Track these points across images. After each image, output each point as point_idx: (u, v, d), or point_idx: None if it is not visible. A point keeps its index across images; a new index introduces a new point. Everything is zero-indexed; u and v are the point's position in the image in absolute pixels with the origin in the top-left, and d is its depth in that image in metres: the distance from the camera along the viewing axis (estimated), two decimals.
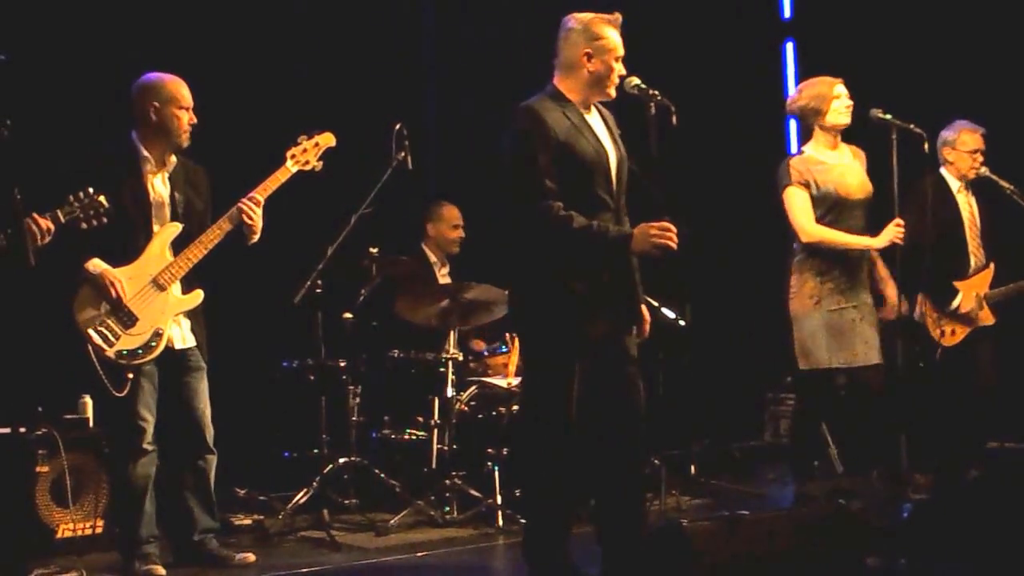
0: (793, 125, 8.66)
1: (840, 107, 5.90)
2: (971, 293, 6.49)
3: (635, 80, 4.77)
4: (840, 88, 5.93)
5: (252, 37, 6.96)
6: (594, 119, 4.75)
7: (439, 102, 8.08)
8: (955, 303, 6.46)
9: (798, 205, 5.86)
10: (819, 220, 5.86)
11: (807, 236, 5.84)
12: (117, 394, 4.99)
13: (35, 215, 4.64)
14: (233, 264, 5.32)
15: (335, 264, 6.09)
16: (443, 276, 7.10)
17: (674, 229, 4.55)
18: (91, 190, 4.75)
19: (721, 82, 8.37)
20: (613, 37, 4.68)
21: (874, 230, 5.95)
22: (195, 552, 5.29)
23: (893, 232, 5.83)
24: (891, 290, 6.05)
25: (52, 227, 4.68)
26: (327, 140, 5.42)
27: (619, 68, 4.70)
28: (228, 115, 6.27)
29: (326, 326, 6.18)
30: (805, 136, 6.10)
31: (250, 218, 5.18)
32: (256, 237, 5.27)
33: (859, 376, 5.86)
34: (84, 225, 4.74)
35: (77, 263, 5.01)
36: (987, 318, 6.53)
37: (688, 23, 8.43)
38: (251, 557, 5.35)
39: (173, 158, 5.23)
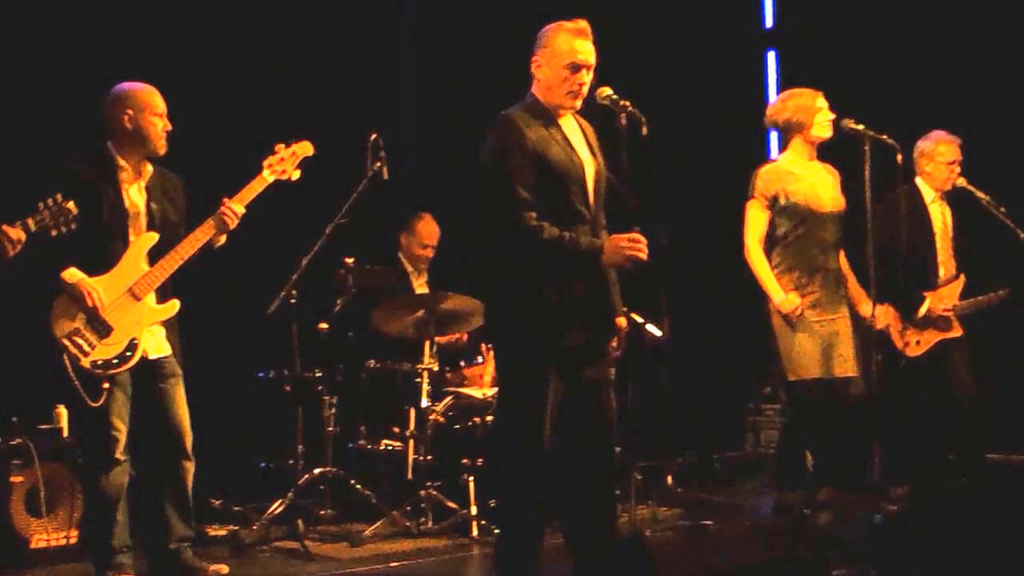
0: (774, 135, 8.67)
1: (823, 120, 5.93)
2: (939, 303, 6.50)
3: (607, 91, 4.76)
4: (822, 101, 5.95)
5: (229, 45, 6.96)
6: (571, 130, 4.73)
7: (418, 112, 8.08)
8: (922, 311, 6.47)
9: (750, 221, 5.95)
10: (790, 233, 5.90)
11: (745, 252, 5.94)
12: (92, 404, 4.98)
13: (5, 226, 4.64)
14: (208, 274, 5.31)
15: (310, 274, 6.08)
16: (420, 286, 7.11)
17: (644, 240, 4.54)
18: (60, 197, 4.74)
19: (703, 91, 8.38)
20: (562, 44, 4.61)
21: (847, 244, 5.98)
22: (169, 561, 5.27)
23: (797, 301, 5.84)
24: (865, 307, 6.06)
25: (23, 237, 4.68)
26: (304, 149, 5.42)
27: (578, 77, 4.62)
28: (205, 124, 6.27)
29: (301, 337, 6.19)
30: (785, 147, 6.12)
31: (232, 224, 5.18)
32: (223, 239, 5.27)
33: (836, 388, 5.87)
34: (54, 232, 4.73)
35: (53, 273, 5.01)
36: (955, 329, 6.53)
37: (671, 32, 8.44)
38: (224, 569, 5.33)
39: (149, 167, 5.23)
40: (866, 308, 6.01)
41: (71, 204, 4.74)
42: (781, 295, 5.85)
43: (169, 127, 5.19)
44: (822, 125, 5.92)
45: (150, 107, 5.16)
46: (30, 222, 4.69)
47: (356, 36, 7.59)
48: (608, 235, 4.70)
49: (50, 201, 4.73)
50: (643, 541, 3.82)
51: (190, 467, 5.29)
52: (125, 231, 5.14)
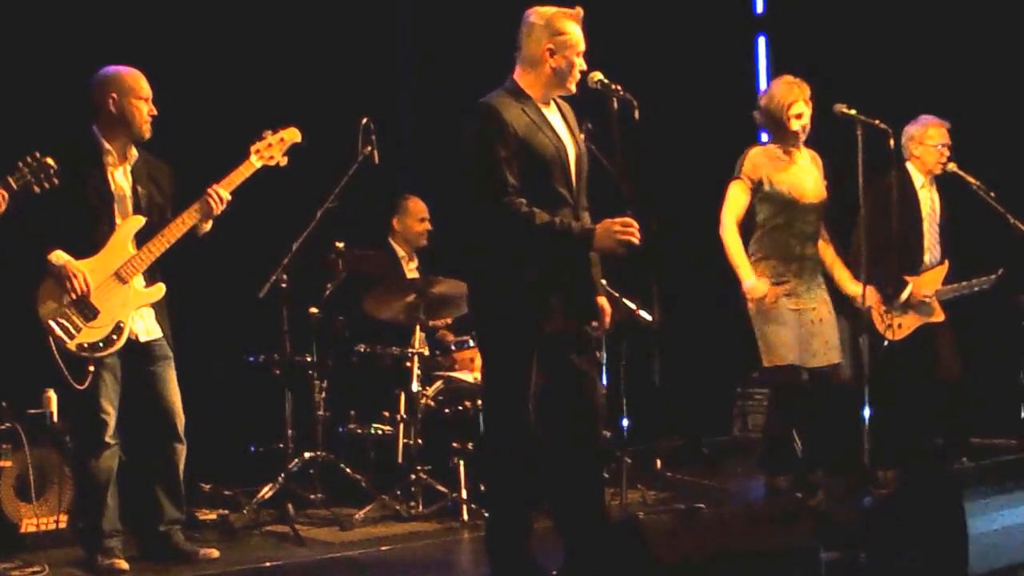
0: None
1: (796, 125, 5.90)
2: (922, 288, 6.52)
3: (598, 75, 4.78)
4: (800, 106, 5.88)
5: (219, 29, 6.93)
6: (553, 114, 4.75)
7: (411, 96, 8.06)
8: (903, 296, 6.49)
9: (731, 199, 5.94)
10: (769, 220, 5.91)
11: (721, 230, 5.92)
12: (78, 387, 4.98)
13: None
14: (199, 258, 5.31)
15: (301, 259, 6.08)
16: (411, 270, 7.09)
17: (636, 224, 4.55)
18: (38, 154, 4.72)
19: (693, 76, 8.38)
20: (575, 32, 4.67)
21: (837, 229, 6.00)
22: (160, 544, 5.28)
23: (765, 288, 5.83)
24: (851, 287, 6.08)
25: (5, 195, 4.68)
26: (292, 136, 5.40)
27: (580, 63, 4.69)
28: (194, 109, 6.27)
29: (292, 321, 6.18)
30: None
31: (218, 209, 5.17)
32: (208, 226, 5.25)
33: (820, 375, 5.89)
34: (36, 189, 4.71)
35: (40, 256, 5.00)
36: (937, 314, 6.54)
37: (661, 17, 8.43)
38: (215, 553, 5.34)
39: (134, 151, 5.22)
40: (853, 288, 6.02)
41: (50, 160, 4.72)
42: (751, 280, 5.82)
43: (154, 111, 5.18)
44: (792, 124, 5.90)
45: (135, 91, 5.15)
46: (11, 180, 4.68)
47: (347, 19, 7.56)
48: (595, 217, 4.72)
49: (29, 159, 4.71)
50: (637, 524, 3.81)
51: (182, 450, 5.30)
52: (111, 213, 5.14)
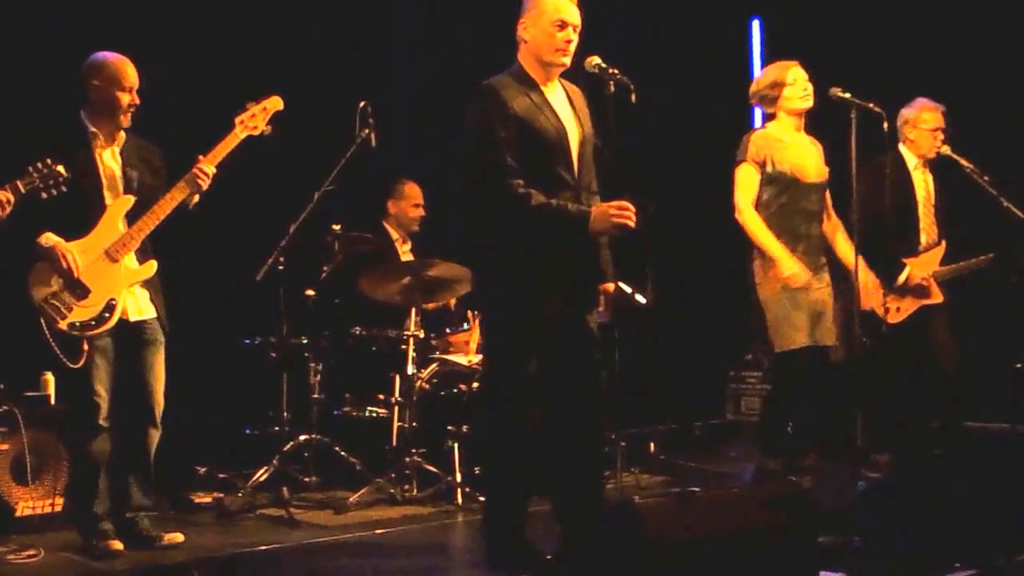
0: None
1: (795, 92, 5.92)
2: (919, 270, 6.53)
3: (595, 59, 4.78)
4: (795, 73, 5.93)
5: (216, 12, 6.90)
6: (556, 97, 4.75)
7: (409, 80, 8.04)
8: (901, 279, 6.50)
9: (744, 183, 5.93)
10: (773, 201, 5.91)
11: (739, 215, 5.91)
12: (73, 365, 4.98)
13: None
14: (197, 240, 5.31)
15: (297, 241, 6.08)
16: (405, 253, 7.10)
17: (632, 208, 4.56)
18: (49, 160, 4.77)
19: (687, 60, 8.37)
20: (547, 3, 4.65)
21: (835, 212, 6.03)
22: (126, 529, 5.22)
23: (807, 276, 5.83)
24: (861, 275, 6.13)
25: (12, 198, 4.71)
26: (275, 104, 5.39)
27: (564, 35, 4.65)
28: (190, 93, 6.25)
29: (288, 303, 6.18)
30: (769, 119, 6.12)
31: (205, 184, 5.17)
32: (196, 199, 5.24)
33: (820, 355, 5.90)
34: (44, 195, 4.76)
35: (33, 239, 5.00)
36: (936, 296, 6.56)
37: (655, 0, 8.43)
38: (179, 537, 5.26)
39: (122, 134, 5.22)
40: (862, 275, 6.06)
41: (61, 168, 4.78)
42: (794, 268, 5.77)
43: (136, 101, 5.16)
44: (792, 97, 5.92)
45: (118, 80, 5.15)
46: (20, 184, 4.72)
47: (346, 2, 7.54)
48: (601, 200, 4.72)
49: (39, 164, 4.76)
50: (632, 506, 3.82)
51: (155, 435, 5.26)
52: (101, 195, 5.14)
